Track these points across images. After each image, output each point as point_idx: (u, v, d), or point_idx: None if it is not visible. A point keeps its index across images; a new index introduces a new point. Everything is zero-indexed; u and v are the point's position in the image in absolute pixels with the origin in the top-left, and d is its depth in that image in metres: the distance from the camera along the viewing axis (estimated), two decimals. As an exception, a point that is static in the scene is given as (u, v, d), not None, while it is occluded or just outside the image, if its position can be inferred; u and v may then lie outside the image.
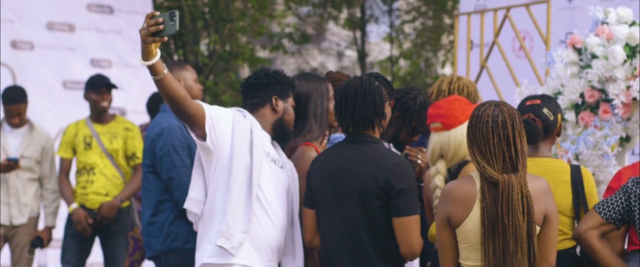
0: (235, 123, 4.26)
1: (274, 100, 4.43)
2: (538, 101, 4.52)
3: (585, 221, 4.13)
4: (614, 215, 4.03)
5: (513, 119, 3.76)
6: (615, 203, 4.04)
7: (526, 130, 4.43)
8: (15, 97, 7.08)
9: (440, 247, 3.85)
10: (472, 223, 3.72)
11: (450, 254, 3.82)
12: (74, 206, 6.91)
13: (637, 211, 3.94)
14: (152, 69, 3.99)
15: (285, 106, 4.45)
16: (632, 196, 3.97)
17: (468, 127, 3.81)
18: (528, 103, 4.53)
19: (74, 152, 7.03)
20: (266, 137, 4.39)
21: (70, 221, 7.02)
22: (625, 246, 4.43)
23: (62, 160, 7.08)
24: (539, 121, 4.44)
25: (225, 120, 4.25)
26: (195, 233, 4.46)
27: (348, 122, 4.24)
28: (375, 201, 4.13)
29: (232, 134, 4.24)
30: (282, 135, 4.49)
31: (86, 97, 7.02)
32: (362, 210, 4.15)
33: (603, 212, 4.05)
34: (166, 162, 5.21)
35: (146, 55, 3.96)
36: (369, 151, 4.20)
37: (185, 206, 4.35)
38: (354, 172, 4.17)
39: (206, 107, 4.20)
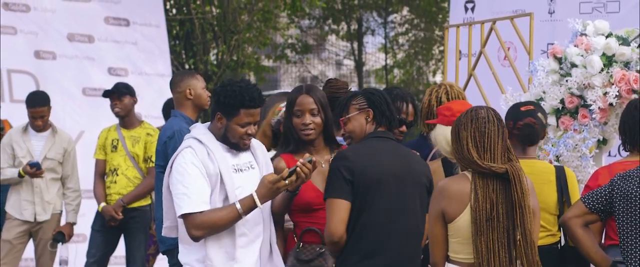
0: (205, 177, 3.99)
1: (217, 117, 4.08)
2: (532, 107, 4.53)
3: (570, 210, 4.14)
4: (597, 205, 4.02)
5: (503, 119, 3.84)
6: (600, 195, 4.03)
7: (528, 133, 4.50)
8: (38, 101, 7.09)
9: (432, 240, 3.82)
10: (466, 219, 3.70)
11: (442, 247, 3.80)
12: (103, 205, 6.94)
13: (618, 204, 3.94)
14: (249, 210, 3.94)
15: (228, 124, 4.05)
16: (615, 189, 3.96)
17: (464, 128, 3.75)
18: (523, 109, 4.53)
19: (106, 154, 7.06)
20: (226, 153, 4.09)
21: (97, 218, 7.03)
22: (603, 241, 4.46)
23: (96, 162, 7.11)
24: (537, 125, 4.47)
25: (206, 187, 3.99)
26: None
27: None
28: (427, 195, 4.09)
29: (210, 185, 4.00)
30: (236, 149, 4.12)
31: None
32: (420, 202, 4.10)
33: (587, 202, 4.05)
34: (178, 163, 5.20)
35: (267, 200, 3.96)
36: (402, 147, 4.23)
37: (163, 234, 4.14)
38: (413, 167, 4.13)
39: (206, 203, 3.96)
